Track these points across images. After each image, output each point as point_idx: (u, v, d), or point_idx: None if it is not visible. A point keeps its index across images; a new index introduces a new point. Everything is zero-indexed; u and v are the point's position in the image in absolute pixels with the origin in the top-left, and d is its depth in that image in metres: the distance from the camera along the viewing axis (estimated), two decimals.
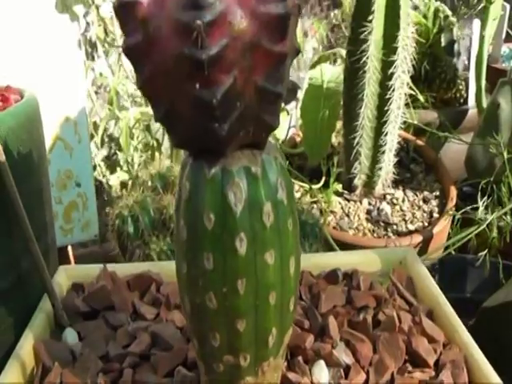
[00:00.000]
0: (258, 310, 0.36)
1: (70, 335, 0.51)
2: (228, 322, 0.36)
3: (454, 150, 1.04)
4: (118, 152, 1.34)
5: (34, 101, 0.56)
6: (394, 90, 0.85)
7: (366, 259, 0.58)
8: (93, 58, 1.25)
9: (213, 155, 0.33)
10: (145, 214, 0.67)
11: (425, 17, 1.13)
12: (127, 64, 1.18)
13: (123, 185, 1.34)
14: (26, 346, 0.49)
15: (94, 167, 1.26)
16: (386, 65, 0.84)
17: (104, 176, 1.33)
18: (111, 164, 1.35)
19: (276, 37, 0.30)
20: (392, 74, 0.84)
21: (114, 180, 1.34)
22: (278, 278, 0.36)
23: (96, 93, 1.29)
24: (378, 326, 0.49)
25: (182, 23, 0.28)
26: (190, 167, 0.34)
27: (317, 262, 0.57)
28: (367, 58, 0.83)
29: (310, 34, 2.06)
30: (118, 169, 1.35)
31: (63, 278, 0.57)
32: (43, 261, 0.50)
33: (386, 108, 0.86)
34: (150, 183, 0.72)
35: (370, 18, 0.81)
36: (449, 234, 0.88)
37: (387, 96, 0.85)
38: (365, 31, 0.81)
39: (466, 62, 1.20)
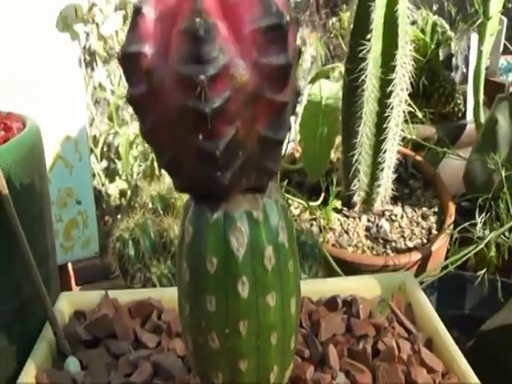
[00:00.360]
0: (259, 350, 0.36)
1: (72, 364, 0.51)
2: (230, 362, 0.36)
3: (453, 165, 1.04)
4: (117, 161, 1.34)
5: (35, 129, 0.57)
6: (392, 108, 0.85)
7: (365, 285, 0.58)
8: (92, 68, 1.25)
9: (215, 199, 0.34)
10: (145, 236, 0.67)
11: (423, 31, 1.14)
12: None
13: (122, 193, 1.34)
14: (29, 377, 0.49)
15: (93, 176, 1.26)
16: (385, 83, 0.84)
17: (103, 185, 1.33)
18: (110, 173, 1.35)
19: (278, 86, 0.31)
20: (390, 92, 0.84)
21: (113, 189, 1.34)
22: (279, 318, 0.36)
23: (96, 101, 1.30)
24: (378, 356, 0.49)
25: (186, 76, 0.29)
26: (193, 211, 0.35)
27: (316, 287, 0.58)
28: (366, 76, 0.83)
29: (308, 42, 2.06)
30: (117, 178, 1.35)
31: (65, 304, 0.57)
32: (44, 289, 0.50)
33: (384, 126, 0.86)
34: (150, 205, 0.72)
35: (369, 36, 0.82)
36: (448, 250, 0.89)
37: (386, 114, 0.85)
38: (363, 49, 0.82)
39: (465, 70, 1.21)
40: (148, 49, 0.30)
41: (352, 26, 0.85)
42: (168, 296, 0.57)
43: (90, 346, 0.53)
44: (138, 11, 0.31)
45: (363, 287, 0.58)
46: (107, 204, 1.33)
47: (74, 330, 0.54)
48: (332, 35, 1.31)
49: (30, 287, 0.50)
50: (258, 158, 0.32)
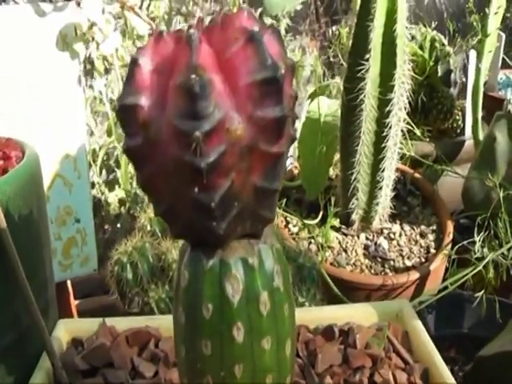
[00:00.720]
0: None
1: None
2: None
3: (452, 182, 1.04)
4: (116, 170, 1.34)
5: (34, 156, 0.57)
6: (390, 128, 0.86)
7: (363, 312, 0.58)
8: (92, 76, 1.26)
9: (210, 246, 0.34)
10: (144, 260, 0.67)
11: (421, 47, 1.14)
12: None
13: (121, 202, 1.34)
14: None
15: (93, 185, 1.27)
16: (383, 103, 0.84)
17: (103, 194, 1.33)
18: (109, 182, 1.35)
19: (273, 138, 0.31)
20: (389, 111, 0.84)
21: (113, 198, 1.35)
22: (274, 361, 0.36)
23: (95, 112, 1.30)
24: None
25: (181, 132, 0.29)
26: (189, 257, 0.35)
27: (314, 315, 0.58)
28: (364, 95, 0.84)
29: (308, 50, 2.06)
30: (117, 186, 1.35)
31: (62, 332, 0.57)
32: (43, 322, 0.50)
33: (382, 145, 0.86)
34: (148, 227, 0.72)
35: (367, 56, 0.82)
36: (446, 268, 0.89)
37: (384, 133, 0.85)
38: (361, 69, 0.82)
39: (464, 80, 1.21)
40: (144, 101, 0.30)
41: (350, 45, 0.85)
42: (166, 324, 0.57)
43: (87, 376, 0.53)
44: (134, 62, 0.31)
45: (360, 315, 0.58)
46: (106, 213, 1.33)
47: (71, 359, 0.54)
48: (331, 50, 1.31)
49: (29, 319, 0.50)
50: (253, 207, 0.32)
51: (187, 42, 0.29)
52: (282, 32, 1.90)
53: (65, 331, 0.58)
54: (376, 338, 0.54)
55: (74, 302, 1.03)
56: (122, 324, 0.58)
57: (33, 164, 0.55)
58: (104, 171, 1.33)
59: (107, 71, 1.23)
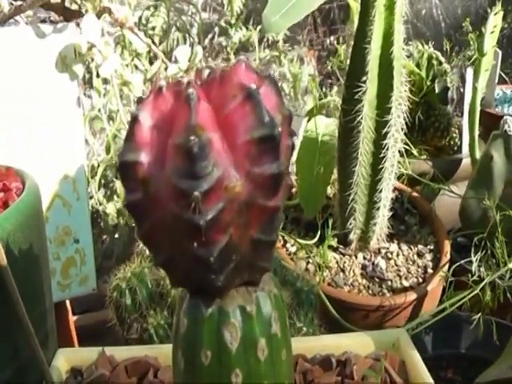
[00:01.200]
0: None
1: None
2: None
3: (449, 200, 1.05)
4: (115, 180, 1.34)
5: (34, 188, 0.57)
6: (387, 149, 0.86)
7: (360, 342, 0.59)
8: (91, 85, 1.26)
9: (209, 295, 0.35)
10: (142, 286, 0.68)
11: (418, 65, 1.15)
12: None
13: (120, 212, 1.34)
14: None
15: (91, 196, 1.27)
16: (380, 124, 0.85)
17: (101, 204, 1.34)
18: (108, 192, 1.36)
19: (270, 194, 0.32)
20: (386, 133, 0.85)
21: (111, 208, 1.35)
22: None
23: (94, 128, 1.30)
24: None
25: (180, 190, 0.30)
26: (187, 304, 0.35)
27: (311, 345, 0.59)
28: (361, 117, 0.84)
29: (306, 60, 2.07)
30: (115, 196, 1.35)
31: (62, 361, 0.58)
32: (42, 354, 0.51)
33: (380, 166, 0.87)
34: (147, 252, 0.73)
35: (364, 78, 0.82)
36: (444, 288, 0.89)
37: (381, 155, 0.86)
38: (359, 91, 0.83)
39: (462, 90, 1.22)
40: (144, 157, 0.31)
41: (348, 67, 0.86)
42: (165, 352, 0.57)
43: None
44: (134, 119, 0.31)
45: (357, 344, 0.59)
46: (105, 223, 1.34)
47: None
48: (329, 66, 1.32)
49: (29, 352, 0.51)
50: (251, 258, 0.33)
51: (186, 101, 0.30)
52: (280, 42, 1.91)
53: (64, 360, 0.58)
54: (373, 369, 0.54)
55: (72, 319, 1.04)
56: (121, 353, 0.58)
57: (33, 197, 0.56)
58: (103, 185, 1.34)
59: (105, 82, 1.24)
